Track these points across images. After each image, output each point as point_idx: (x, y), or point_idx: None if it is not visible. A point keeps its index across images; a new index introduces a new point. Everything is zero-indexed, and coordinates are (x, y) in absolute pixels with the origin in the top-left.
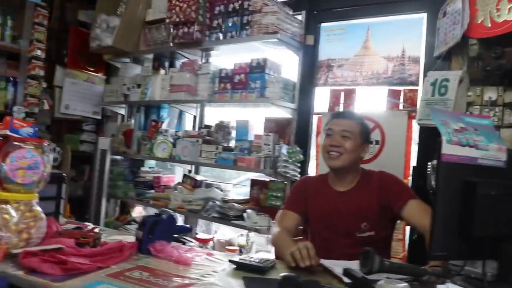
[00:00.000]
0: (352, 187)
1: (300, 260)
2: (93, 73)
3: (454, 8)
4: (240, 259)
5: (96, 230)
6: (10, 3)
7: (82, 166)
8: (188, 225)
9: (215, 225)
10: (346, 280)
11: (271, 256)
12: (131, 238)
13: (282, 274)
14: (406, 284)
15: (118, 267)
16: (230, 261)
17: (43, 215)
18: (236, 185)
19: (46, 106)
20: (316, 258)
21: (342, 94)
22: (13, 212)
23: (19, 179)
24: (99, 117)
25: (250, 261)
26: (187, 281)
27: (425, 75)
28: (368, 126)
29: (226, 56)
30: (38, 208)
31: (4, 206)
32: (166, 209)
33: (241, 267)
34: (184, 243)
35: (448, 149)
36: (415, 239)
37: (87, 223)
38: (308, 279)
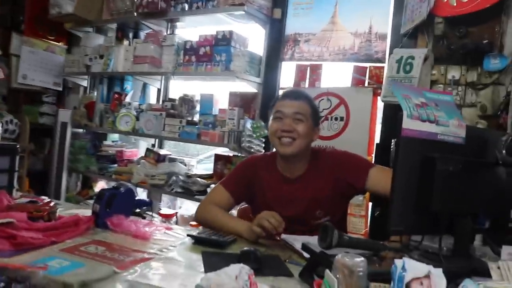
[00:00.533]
0: (303, 173)
1: (272, 229)
2: (53, 42)
3: None
4: (198, 233)
5: (52, 203)
6: None
7: (43, 140)
8: (147, 199)
9: (179, 201)
10: (305, 254)
11: None
12: (88, 213)
13: (242, 249)
14: (363, 258)
15: (73, 241)
16: (188, 235)
17: None
18: (200, 161)
19: (1, 75)
20: (283, 224)
21: (308, 69)
22: None
23: None
24: (60, 89)
25: (209, 235)
26: (145, 256)
27: (391, 52)
28: (318, 107)
29: (192, 28)
30: None
31: None
32: (124, 182)
33: (200, 242)
34: (144, 218)
35: (408, 124)
36: (377, 216)
37: (43, 197)
38: (268, 253)
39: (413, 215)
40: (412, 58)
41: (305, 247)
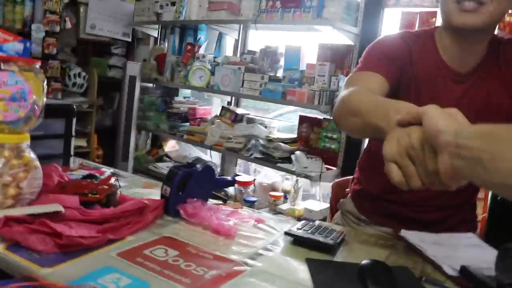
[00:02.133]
0: (478, 64)
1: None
2: None
3: None
4: (297, 229)
5: (112, 180)
6: None
7: (111, 94)
8: (230, 178)
9: (253, 165)
10: (448, 268)
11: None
12: (156, 194)
13: (363, 262)
14: None
15: (136, 238)
16: (286, 233)
17: (37, 163)
18: (275, 118)
19: (69, 25)
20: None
21: (418, 17)
22: None
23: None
24: (129, 39)
25: (313, 233)
26: (233, 266)
27: None
28: None
29: None
30: (31, 154)
31: None
32: (201, 158)
33: (301, 242)
34: (224, 201)
35: None
36: (500, 200)
37: (104, 168)
38: (394, 263)
39: None
40: None
41: (465, 271)
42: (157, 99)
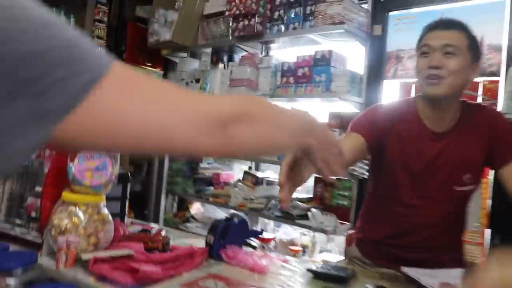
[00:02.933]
0: (453, 126)
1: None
2: (151, 69)
3: None
4: (317, 267)
5: (163, 233)
6: (73, 2)
7: (140, 162)
8: (259, 229)
9: (273, 223)
10: None
11: (342, 259)
12: (200, 243)
13: (367, 285)
14: None
15: (190, 275)
16: (308, 270)
17: (110, 218)
18: None
19: None
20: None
21: (413, 87)
22: (81, 215)
23: (87, 181)
24: None
25: (330, 270)
26: None
27: (508, 65)
28: (477, 38)
29: (287, 50)
30: (106, 211)
31: (73, 208)
32: (237, 213)
33: (320, 276)
34: (254, 248)
35: None
36: (497, 244)
37: (152, 225)
38: None
39: None
40: None
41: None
42: (184, 166)
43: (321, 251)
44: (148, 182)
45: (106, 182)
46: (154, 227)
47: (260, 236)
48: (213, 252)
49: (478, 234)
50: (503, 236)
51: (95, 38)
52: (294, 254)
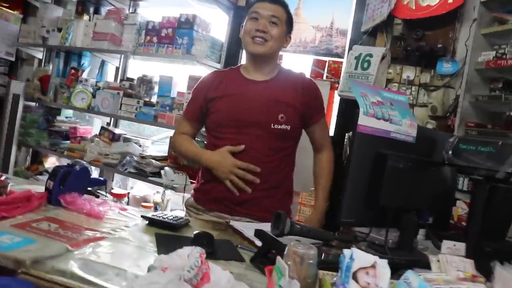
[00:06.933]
0: (272, 77)
1: (243, 186)
2: (7, 10)
3: None
4: (152, 215)
5: (3, 177)
6: None
7: None
8: (102, 178)
9: (131, 181)
10: (257, 241)
11: (183, 214)
12: (41, 189)
13: (195, 232)
14: (314, 248)
15: (25, 217)
16: (142, 216)
17: None
18: (155, 142)
19: None
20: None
21: None
22: None
23: None
24: (12, 59)
25: (163, 217)
26: (98, 235)
27: (350, 48)
28: (291, 14)
29: (155, 8)
30: None
31: None
32: (80, 160)
33: (153, 223)
34: (97, 197)
35: (364, 121)
36: (327, 207)
37: None
38: (220, 238)
39: (363, 208)
40: (370, 56)
41: (258, 233)
42: (39, 117)
43: (173, 209)
44: (1, 132)
45: None
46: None
47: (103, 184)
48: (52, 197)
49: (313, 198)
50: (332, 201)
51: None
52: (146, 210)
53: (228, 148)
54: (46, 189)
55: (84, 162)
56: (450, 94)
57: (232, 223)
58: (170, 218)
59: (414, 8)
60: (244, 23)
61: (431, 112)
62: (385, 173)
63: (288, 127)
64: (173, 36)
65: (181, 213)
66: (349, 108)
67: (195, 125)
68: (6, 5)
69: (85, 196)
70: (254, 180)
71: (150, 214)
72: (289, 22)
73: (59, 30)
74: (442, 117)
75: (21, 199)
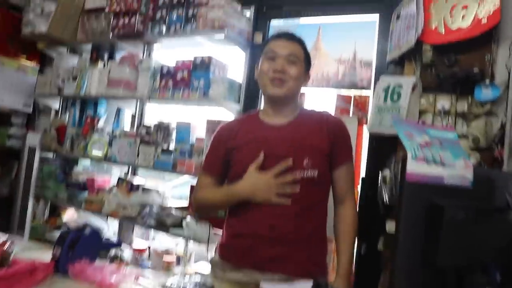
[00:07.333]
0: (293, 119)
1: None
2: (24, 62)
3: (408, 12)
4: (171, 284)
5: (6, 245)
6: None
7: (10, 163)
8: (116, 240)
9: (153, 231)
10: None
11: (208, 273)
12: (49, 255)
13: None
14: None
15: None
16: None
17: None
18: (175, 187)
19: None
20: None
21: None
22: None
23: None
24: (29, 111)
25: (185, 286)
26: None
27: (376, 80)
28: (309, 52)
29: (169, 50)
30: None
31: None
32: (90, 224)
33: None
34: (112, 260)
35: (413, 167)
36: (363, 254)
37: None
38: None
39: (419, 271)
40: (400, 86)
41: None
42: (56, 169)
43: (198, 261)
44: (16, 185)
45: None
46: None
47: (118, 247)
48: (60, 266)
49: None
50: (368, 245)
51: None
52: (168, 264)
53: (254, 167)
54: (53, 257)
55: (97, 221)
56: (494, 123)
57: (265, 285)
58: (193, 285)
59: (443, 32)
60: (260, 63)
61: (472, 144)
62: (443, 227)
63: (315, 173)
64: (189, 78)
65: (205, 268)
66: (379, 145)
67: (218, 178)
68: (24, 57)
69: (97, 262)
70: (293, 190)
71: (169, 282)
72: (307, 60)
73: (74, 79)
74: (486, 149)
75: (23, 272)
